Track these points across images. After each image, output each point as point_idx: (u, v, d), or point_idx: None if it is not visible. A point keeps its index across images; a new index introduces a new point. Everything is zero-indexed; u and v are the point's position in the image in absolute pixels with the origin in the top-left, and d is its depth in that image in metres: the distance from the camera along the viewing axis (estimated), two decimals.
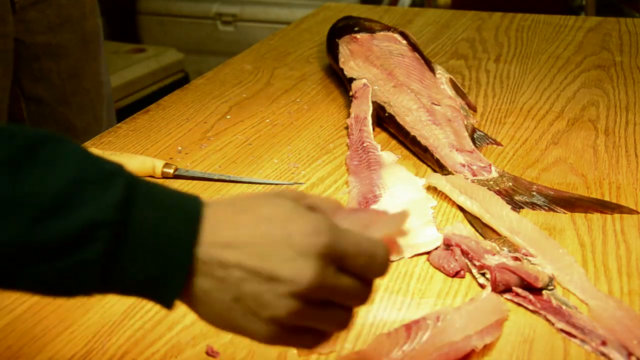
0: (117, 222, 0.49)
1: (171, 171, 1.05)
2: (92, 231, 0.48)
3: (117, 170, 0.51)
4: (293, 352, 0.71)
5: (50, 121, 1.40)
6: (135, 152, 1.13)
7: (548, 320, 0.75)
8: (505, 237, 0.88)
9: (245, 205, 0.53)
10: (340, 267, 0.53)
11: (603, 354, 0.70)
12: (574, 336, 0.72)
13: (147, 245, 0.50)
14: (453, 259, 0.83)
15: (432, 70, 1.28)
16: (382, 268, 0.55)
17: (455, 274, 0.82)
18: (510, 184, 1.00)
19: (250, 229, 0.52)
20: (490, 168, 1.02)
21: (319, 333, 0.55)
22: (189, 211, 0.52)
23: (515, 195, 0.97)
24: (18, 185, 0.48)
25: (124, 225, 0.50)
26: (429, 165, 1.08)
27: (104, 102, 1.48)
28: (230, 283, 0.51)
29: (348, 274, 0.53)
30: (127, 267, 0.50)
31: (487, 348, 0.71)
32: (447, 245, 0.86)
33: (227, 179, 1.05)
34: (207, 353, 0.71)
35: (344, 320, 0.55)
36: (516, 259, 0.81)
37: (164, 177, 1.05)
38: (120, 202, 0.49)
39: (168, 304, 0.52)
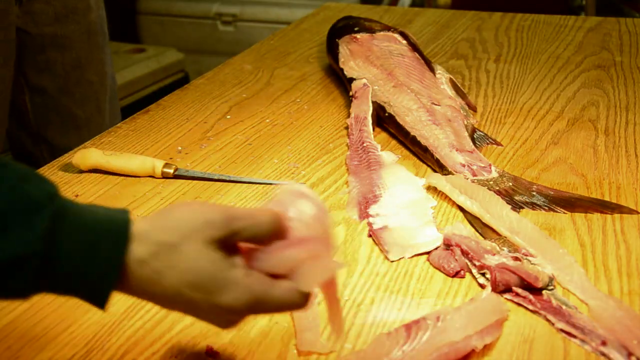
0: (43, 253, 0.52)
1: (171, 171, 1.05)
2: (17, 264, 0.51)
3: (46, 198, 0.53)
4: (293, 352, 0.71)
5: (53, 112, 1.41)
6: (135, 152, 1.12)
7: (548, 320, 0.75)
8: (505, 237, 0.88)
9: (169, 258, 0.56)
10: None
11: (603, 354, 0.70)
12: (574, 336, 0.72)
13: (75, 269, 0.54)
14: (453, 259, 0.83)
15: (432, 70, 1.28)
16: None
17: (455, 274, 0.82)
18: (510, 184, 1.00)
19: (173, 295, 0.57)
20: (490, 168, 1.02)
21: None
22: (117, 237, 0.55)
23: (515, 195, 0.97)
24: None
25: (51, 254, 0.53)
26: (429, 165, 1.08)
27: (107, 93, 1.49)
28: (162, 304, 0.60)
29: None
30: (57, 287, 0.55)
31: (487, 348, 0.71)
32: (447, 245, 0.86)
33: (227, 179, 1.05)
34: (207, 353, 0.71)
35: None
36: (516, 259, 0.81)
37: (164, 177, 1.05)
38: (46, 233, 0.52)
39: (102, 308, 0.57)
